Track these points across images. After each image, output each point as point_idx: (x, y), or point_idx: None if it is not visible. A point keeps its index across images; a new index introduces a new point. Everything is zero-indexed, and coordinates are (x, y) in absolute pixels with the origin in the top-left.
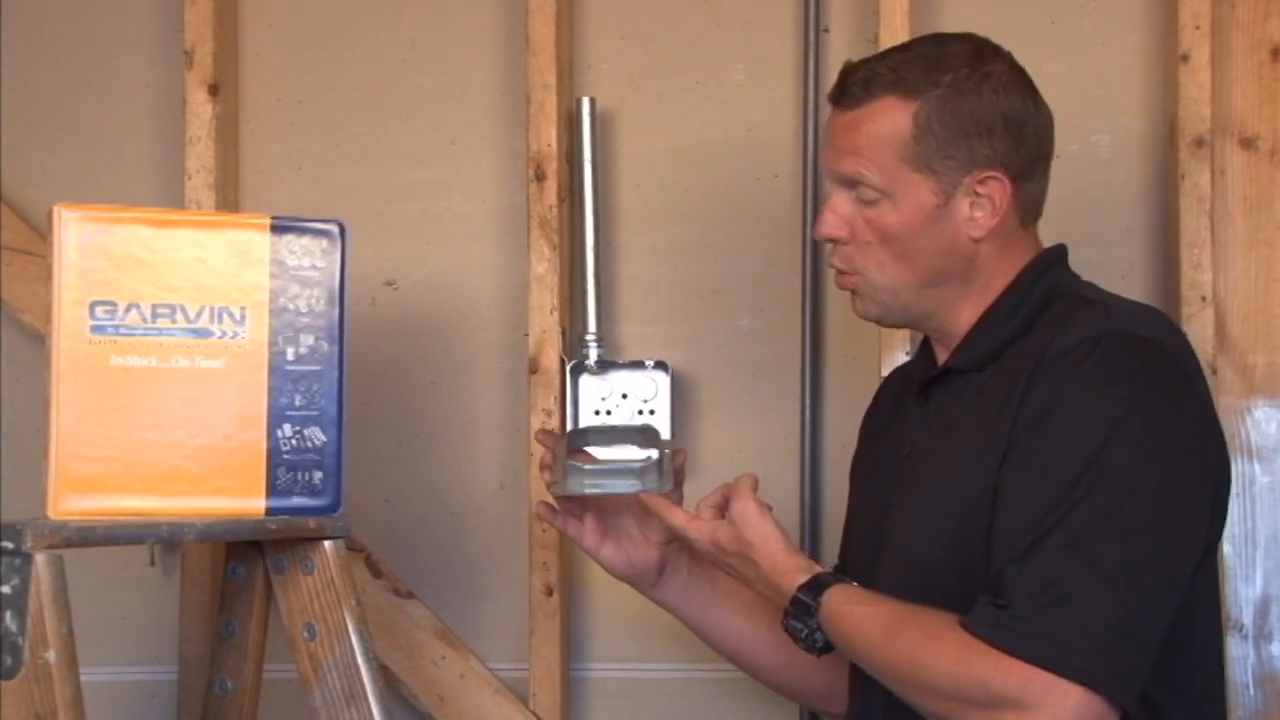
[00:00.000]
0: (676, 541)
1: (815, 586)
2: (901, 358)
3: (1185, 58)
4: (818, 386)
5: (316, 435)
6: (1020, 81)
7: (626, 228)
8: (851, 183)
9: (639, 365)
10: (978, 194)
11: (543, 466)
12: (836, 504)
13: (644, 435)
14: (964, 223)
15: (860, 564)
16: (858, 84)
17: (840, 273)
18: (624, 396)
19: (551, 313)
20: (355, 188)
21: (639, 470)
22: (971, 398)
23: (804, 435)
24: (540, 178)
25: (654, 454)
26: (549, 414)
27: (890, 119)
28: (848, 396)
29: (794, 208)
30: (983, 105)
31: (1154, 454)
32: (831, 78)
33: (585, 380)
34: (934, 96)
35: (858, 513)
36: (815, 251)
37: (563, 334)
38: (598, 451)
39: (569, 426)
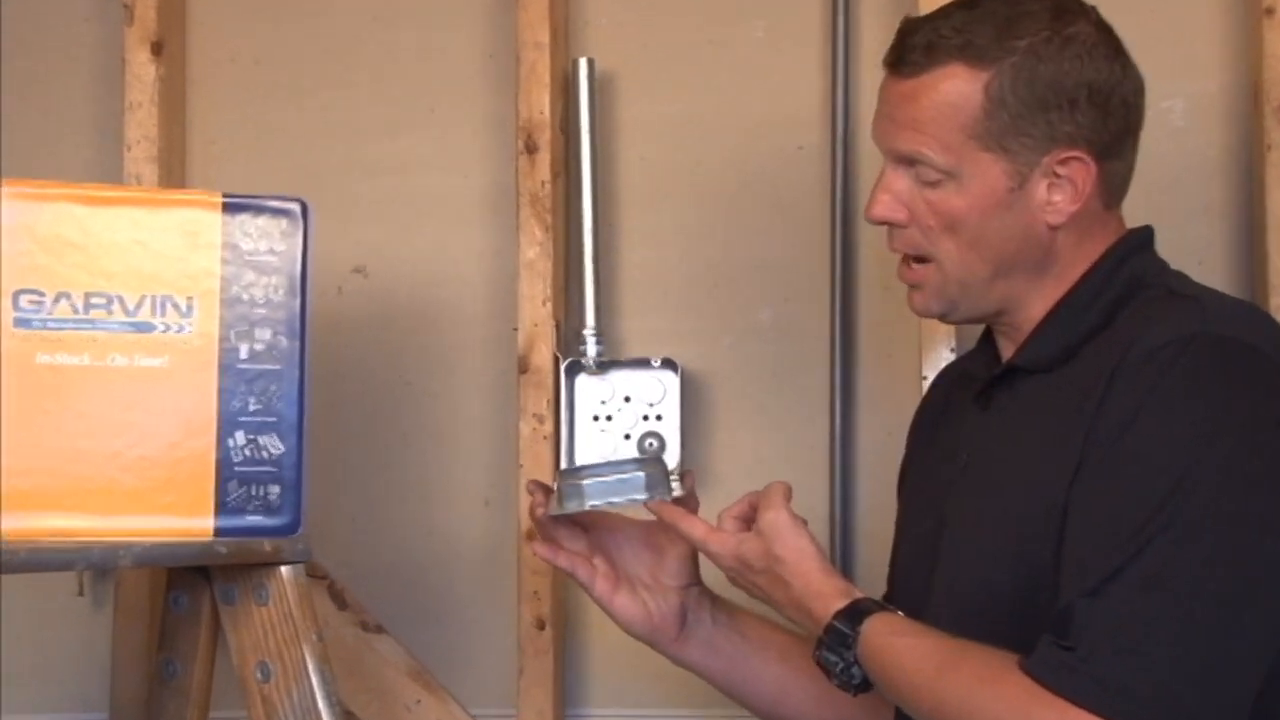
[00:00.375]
0: (696, 585)
1: (854, 614)
2: (946, 356)
3: (1270, 11)
4: (849, 388)
5: (274, 444)
6: (1107, 43)
7: (630, 207)
8: (910, 160)
9: (644, 364)
10: (1057, 175)
11: (534, 505)
12: (871, 522)
13: (646, 463)
14: (1040, 208)
15: (909, 590)
16: (918, 48)
17: (906, 261)
18: (626, 400)
19: (544, 304)
20: (320, 161)
21: (645, 480)
22: (1039, 401)
23: (834, 444)
24: (531, 150)
25: (659, 466)
26: (540, 419)
27: (957, 91)
28: (884, 400)
29: (821, 184)
30: (1064, 74)
31: (1249, 476)
32: (864, 34)
33: (582, 381)
34: (1008, 65)
35: (906, 531)
36: (845, 234)
37: (557, 328)
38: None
39: (564, 434)
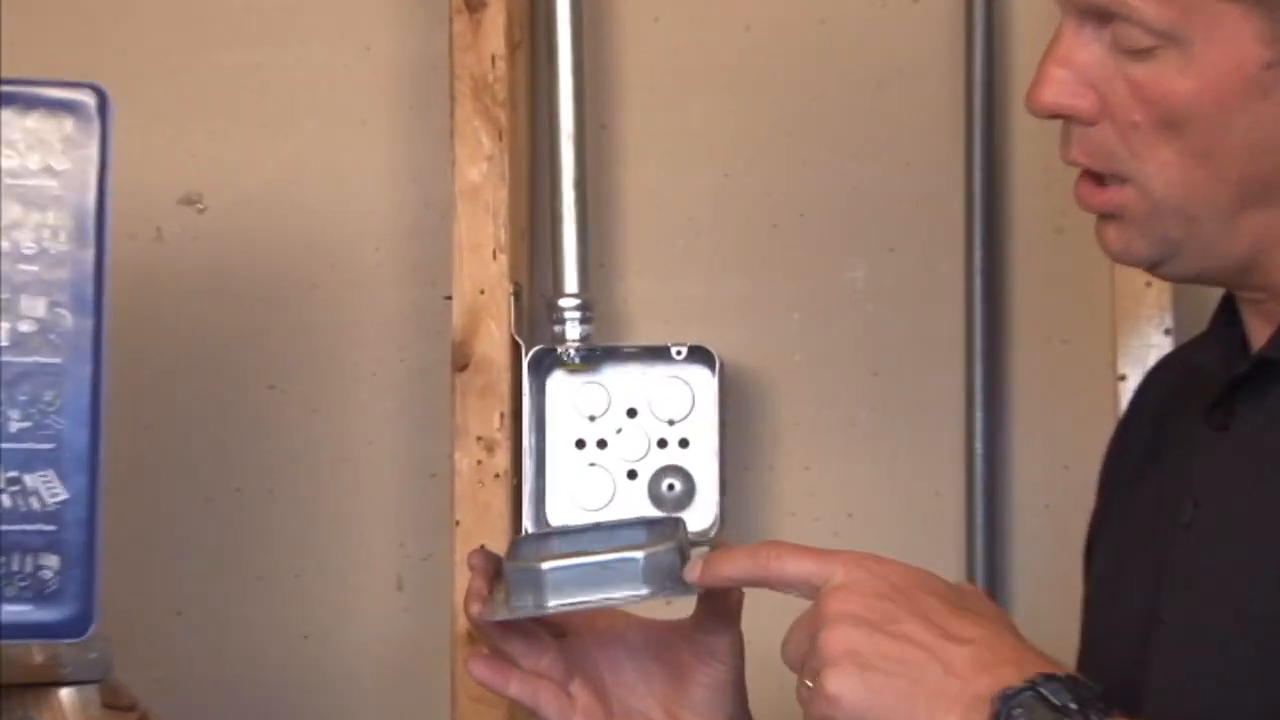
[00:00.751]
0: None
1: (1091, 690)
2: (1158, 343)
3: None
4: (998, 395)
5: (49, 487)
6: None
7: (637, 100)
8: (1103, 15)
9: (659, 354)
10: None
11: (471, 596)
12: (1034, 609)
13: (655, 531)
14: None
15: None
16: None
17: (1088, 179)
18: (631, 414)
19: (495, 257)
20: (126, 24)
21: (642, 564)
22: None
23: (972, 486)
24: (474, 6)
25: (669, 544)
26: (489, 447)
27: None
28: (1055, 413)
29: (950, 58)
30: None
31: None
32: None
33: (559, 382)
34: None
35: (1100, 622)
36: (989, 139)
37: (516, 296)
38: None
39: (528, 471)
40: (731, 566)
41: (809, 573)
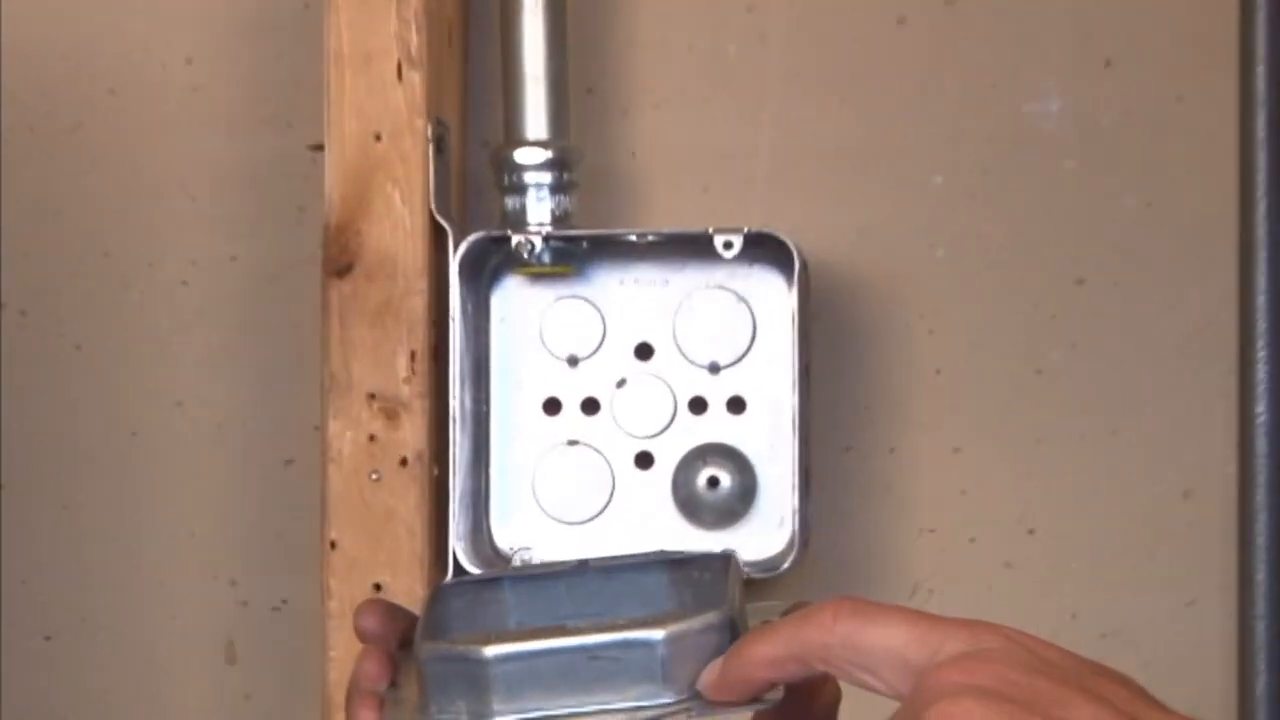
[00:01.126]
0: None
1: None
2: None
3: None
4: None
5: None
6: None
7: None
8: None
9: (693, 248)
10: None
11: (359, 693)
12: None
13: (687, 583)
14: None
15: None
16: None
17: None
18: (643, 353)
19: (401, 75)
20: None
21: (662, 652)
22: None
23: (1249, 479)
24: None
25: (709, 616)
26: (391, 414)
27: None
28: None
29: None
30: None
31: None
32: None
33: (517, 297)
34: None
35: None
36: None
37: (438, 145)
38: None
39: (458, 455)
40: (770, 646)
41: (901, 642)
